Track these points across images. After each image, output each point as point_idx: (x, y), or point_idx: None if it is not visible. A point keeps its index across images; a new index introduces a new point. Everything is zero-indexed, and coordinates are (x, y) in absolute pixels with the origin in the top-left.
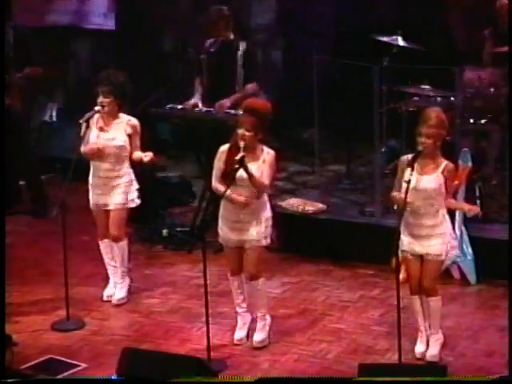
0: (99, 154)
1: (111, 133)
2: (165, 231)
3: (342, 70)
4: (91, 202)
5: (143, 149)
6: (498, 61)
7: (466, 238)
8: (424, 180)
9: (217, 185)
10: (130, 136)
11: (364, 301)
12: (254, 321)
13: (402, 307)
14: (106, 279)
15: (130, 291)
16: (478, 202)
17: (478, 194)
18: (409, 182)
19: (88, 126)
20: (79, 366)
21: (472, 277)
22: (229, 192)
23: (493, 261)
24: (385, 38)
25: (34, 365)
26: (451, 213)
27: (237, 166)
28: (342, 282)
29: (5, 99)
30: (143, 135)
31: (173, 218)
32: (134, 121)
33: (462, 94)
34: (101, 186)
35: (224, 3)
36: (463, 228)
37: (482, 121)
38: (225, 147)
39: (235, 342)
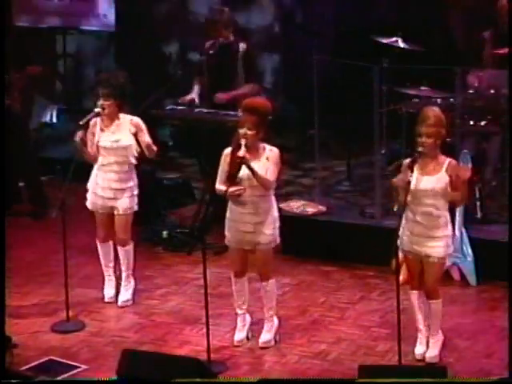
0: (95, 157)
1: (115, 135)
2: (165, 232)
3: (342, 70)
4: (95, 204)
5: None
6: (498, 62)
7: (465, 239)
8: (424, 180)
9: (220, 187)
10: (135, 135)
11: (364, 302)
12: (261, 321)
13: (402, 309)
14: (106, 278)
15: (134, 293)
16: (478, 203)
17: (477, 195)
18: (409, 182)
19: (87, 128)
20: (79, 367)
21: (472, 278)
22: (230, 190)
23: (493, 262)
24: (385, 40)
25: (33, 366)
26: (451, 214)
27: (238, 161)
28: (342, 284)
29: (5, 99)
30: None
31: (173, 220)
32: (136, 119)
33: (462, 95)
34: (108, 190)
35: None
36: (463, 229)
37: (482, 122)
38: (228, 150)
39: (235, 343)
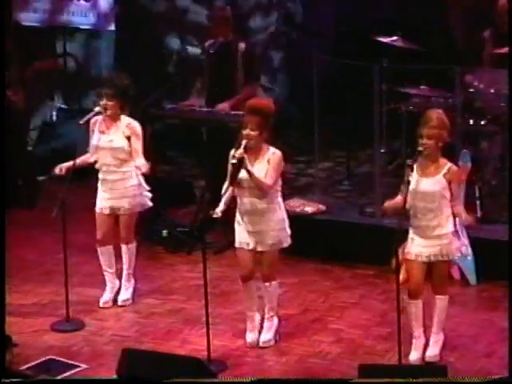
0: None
1: (110, 135)
2: (165, 232)
3: (342, 70)
4: (99, 206)
5: (145, 149)
6: (498, 62)
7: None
8: (424, 182)
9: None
10: (128, 138)
11: (364, 301)
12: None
13: (402, 308)
14: (106, 281)
15: (134, 293)
16: (478, 202)
17: (477, 194)
18: (408, 183)
19: (88, 127)
20: (79, 366)
21: (472, 277)
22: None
23: (493, 261)
24: (384, 40)
25: (34, 365)
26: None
27: (234, 162)
28: (342, 283)
29: (10, 95)
30: (144, 136)
31: (173, 219)
32: (134, 124)
33: (461, 94)
34: (108, 191)
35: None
36: (463, 229)
37: (482, 122)
38: (233, 150)
39: (248, 345)
